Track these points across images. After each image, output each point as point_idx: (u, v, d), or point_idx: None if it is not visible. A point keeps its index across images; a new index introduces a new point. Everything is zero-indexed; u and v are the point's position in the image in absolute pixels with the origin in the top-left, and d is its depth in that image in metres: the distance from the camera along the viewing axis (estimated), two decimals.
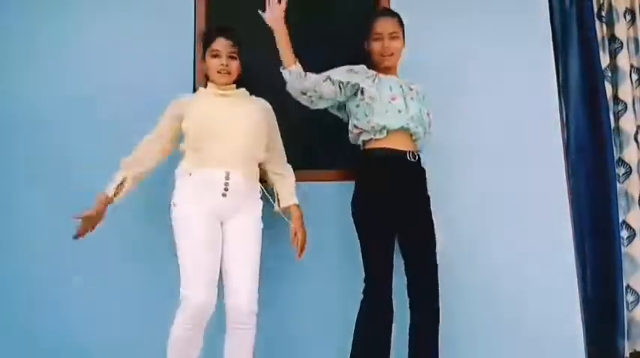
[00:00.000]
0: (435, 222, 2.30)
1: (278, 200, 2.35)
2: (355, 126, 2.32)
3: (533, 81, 2.75)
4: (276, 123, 2.39)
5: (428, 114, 2.37)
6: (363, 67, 2.37)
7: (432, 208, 2.33)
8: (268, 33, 2.17)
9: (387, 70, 2.38)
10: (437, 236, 2.28)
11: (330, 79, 2.26)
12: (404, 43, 2.40)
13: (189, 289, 2.02)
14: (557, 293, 2.59)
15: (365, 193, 2.26)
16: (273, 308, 2.39)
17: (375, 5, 2.73)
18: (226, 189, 2.14)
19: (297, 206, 2.32)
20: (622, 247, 2.83)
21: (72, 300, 2.40)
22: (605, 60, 2.96)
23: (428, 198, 2.34)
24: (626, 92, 2.92)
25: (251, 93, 2.34)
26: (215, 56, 2.25)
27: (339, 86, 2.27)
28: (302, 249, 2.26)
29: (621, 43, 2.97)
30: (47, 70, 2.57)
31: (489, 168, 2.66)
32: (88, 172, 2.36)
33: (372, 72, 2.36)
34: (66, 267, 2.41)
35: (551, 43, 2.83)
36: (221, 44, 2.25)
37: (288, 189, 2.35)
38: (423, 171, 2.34)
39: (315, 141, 2.69)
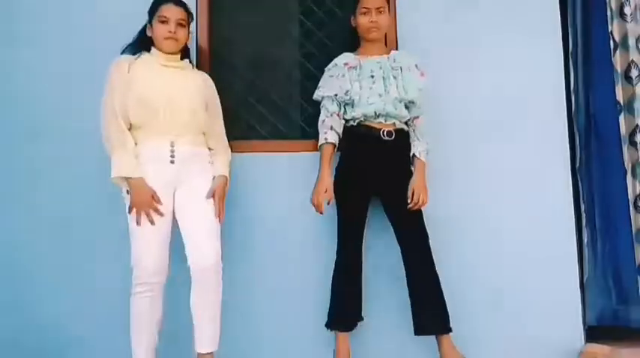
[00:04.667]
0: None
1: None
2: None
3: (539, 57, 2.81)
4: (216, 96, 2.40)
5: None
6: (343, 57, 2.49)
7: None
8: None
9: (373, 44, 2.48)
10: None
11: (329, 112, 2.43)
12: (389, 17, 2.51)
13: (140, 256, 2.09)
14: (558, 276, 2.67)
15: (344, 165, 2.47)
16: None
17: None
18: (173, 156, 2.17)
19: (224, 177, 2.33)
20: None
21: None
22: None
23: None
24: (618, 93, 2.91)
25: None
26: (163, 22, 2.22)
27: (338, 105, 2.44)
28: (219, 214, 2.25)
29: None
30: (52, 54, 2.64)
31: (492, 147, 2.73)
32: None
33: (354, 60, 2.46)
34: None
35: (559, 20, 2.86)
36: (170, 11, 2.21)
37: (219, 164, 2.34)
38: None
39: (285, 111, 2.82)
